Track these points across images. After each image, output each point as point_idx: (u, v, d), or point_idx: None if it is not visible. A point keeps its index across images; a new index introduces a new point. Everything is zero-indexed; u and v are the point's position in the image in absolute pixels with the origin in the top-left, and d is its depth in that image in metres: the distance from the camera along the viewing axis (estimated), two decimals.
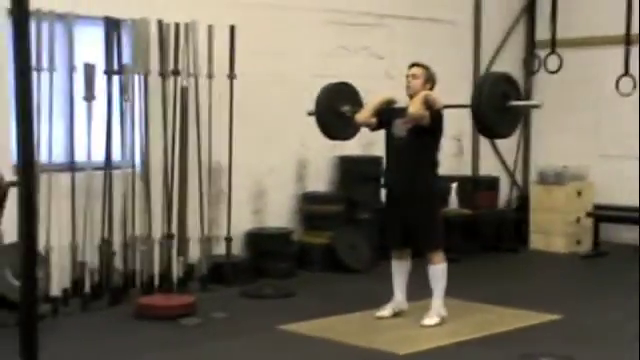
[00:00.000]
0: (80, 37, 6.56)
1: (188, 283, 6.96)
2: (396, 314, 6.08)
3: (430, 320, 5.89)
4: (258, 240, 7.67)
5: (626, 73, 8.79)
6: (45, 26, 6.29)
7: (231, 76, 7.26)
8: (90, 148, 6.57)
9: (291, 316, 6.10)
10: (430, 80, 5.95)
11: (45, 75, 6.33)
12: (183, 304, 6.22)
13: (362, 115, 6.08)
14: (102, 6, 6.64)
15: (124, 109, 6.75)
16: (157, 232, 6.93)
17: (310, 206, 8.04)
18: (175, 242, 6.99)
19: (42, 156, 6.31)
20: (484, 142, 9.46)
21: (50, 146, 6.38)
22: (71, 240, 6.48)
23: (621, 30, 8.83)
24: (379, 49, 8.67)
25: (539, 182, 9.37)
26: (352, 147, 7.90)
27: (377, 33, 8.68)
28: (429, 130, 5.85)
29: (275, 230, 7.82)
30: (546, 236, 9.16)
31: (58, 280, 6.36)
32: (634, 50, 8.81)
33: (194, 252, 7.14)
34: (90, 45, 6.63)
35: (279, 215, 7.99)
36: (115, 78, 6.69)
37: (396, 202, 6.06)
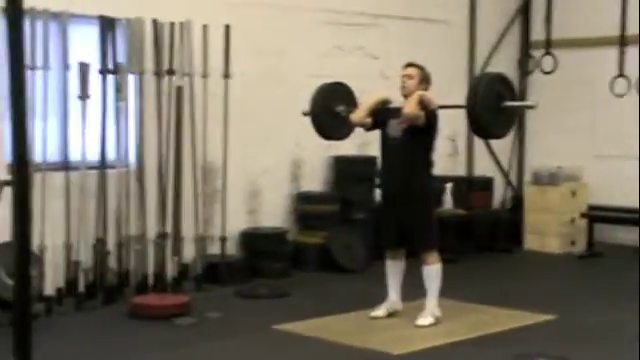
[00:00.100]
0: (75, 36, 6.54)
1: (182, 283, 6.95)
2: (390, 314, 6.08)
3: (424, 320, 5.89)
4: (253, 240, 7.66)
5: (621, 74, 8.80)
6: (39, 25, 6.27)
7: (226, 76, 7.26)
8: (84, 147, 6.55)
9: (286, 316, 6.10)
10: (425, 80, 5.96)
11: (39, 74, 6.31)
12: (177, 304, 6.21)
13: (357, 115, 6.08)
14: (97, 5, 6.63)
15: (119, 108, 6.74)
16: (151, 231, 6.92)
17: (305, 206, 8.03)
18: (169, 242, 6.98)
19: (36, 155, 6.29)
20: (479, 142, 9.46)
21: (44, 145, 6.36)
22: (65, 239, 6.46)
23: (616, 31, 8.84)
24: (374, 49, 8.67)
25: (533, 182, 9.38)
26: (347, 147, 7.90)
27: (372, 33, 8.68)
28: (424, 130, 5.85)
29: (270, 230, 7.81)
30: (540, 236, 9.17)
31: (52, 279, 6.34)
32: (629, 51, 8.82)
33: (188, 252, 7.13)
34: (85, 44, 6.62)
35: (274, 215, 7.99)
36: (110, 77, 6.68)
37: (391, 202, 6.06)
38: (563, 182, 9.16)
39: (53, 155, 6.50)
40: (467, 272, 7.87)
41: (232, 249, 7.55)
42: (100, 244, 6.60)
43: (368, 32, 8.65)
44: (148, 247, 6.87)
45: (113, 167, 6.77)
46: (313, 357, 5.34)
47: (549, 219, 9.07)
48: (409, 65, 6.00)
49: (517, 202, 9.72)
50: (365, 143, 7.91)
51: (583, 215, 9.04)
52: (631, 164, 8.73)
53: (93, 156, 6.61)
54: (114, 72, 6.68)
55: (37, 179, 6.25)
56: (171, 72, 6.97)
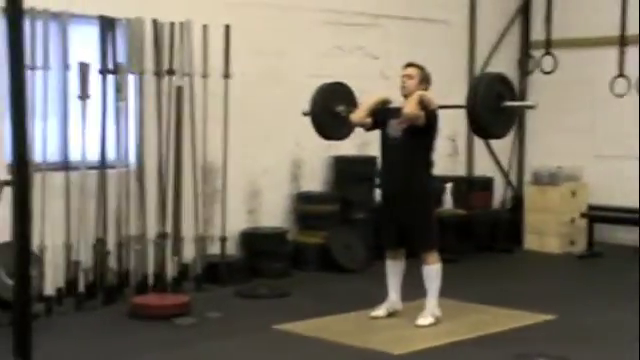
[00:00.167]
0: (75, 36, 6.54)
1: (182, 283, 6.95)
2: (390, 314, 6.08)
3: (424, 320, 5.89)
4: (253, 240, 7.66)
5: (621, 74, 8.80)
6: (39, 25, 6.27)
7: (226, 76, 7.26)
8: (84, 147, 6.55)
9: (286, 316, 6.10)
10: (425, 80, 5.96)
11: (39, 74, 6.31)
12: (177, 304, 6.21)
13: (357, 115, 6.07)
14: (97, 5, 6.62)
15: (119, 108, 6.74)
16: (151, 231, 6.92)
17: (305, 206, 8.03)
18: (169, 242, 6.98)
19: (36, 155, 6.29)
20: (479, 142, 9.46)
21: (44, 145, 6.36)
22: (65, 239, 6.46)
23: (616, 31, 8.83)
24: (374, 49, 8.67)
25: (533, 182, 9.38)
26: (347, 147, 7.89)
27: (372, 33, 8.68)
28: (424, 130, 5.85)
29: (270, 230, 7.81)
30: (540, 236, 9.17)
31: (52, 279, 6.34)
32: (629, 51, 8.82)
33: (188, 252, 7.13)
34: (85, 44, 6.62)
35: (274, 215, 7.99)
36: (110, 77, 6.68)
37: (391, 202, 6.06)
38: (563, 182, 9.16)
39: (53, 155, 6.50)
40: (467, 272, 7.87)
41: (232, 249, 7.55)
42: (100, 244, 6.60)
43: (368, 32, 8.64)
44: (148, 247, 6.87)
45: (113, 167, 6.77)
46: (313, 357, 5.33)
47: (549, 219, 9.07)
48: (409, 65, 6.00)
49: (517, 202, 9.71)
50: (365, 143, 7.91)
51: (583, 215, 9.04)
52: (631, 164, 8.73)
53: (93, 156, 6.61)
54: (114, 72, 6.68)
55: (37, 179, 6.24)
56: (171, 72, 6.97)
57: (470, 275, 7.81)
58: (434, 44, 8.92)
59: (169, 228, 6.98)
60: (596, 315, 6.33)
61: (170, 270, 6.94)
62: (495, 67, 9.12)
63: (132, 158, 6.85)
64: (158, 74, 6.92)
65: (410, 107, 5.76)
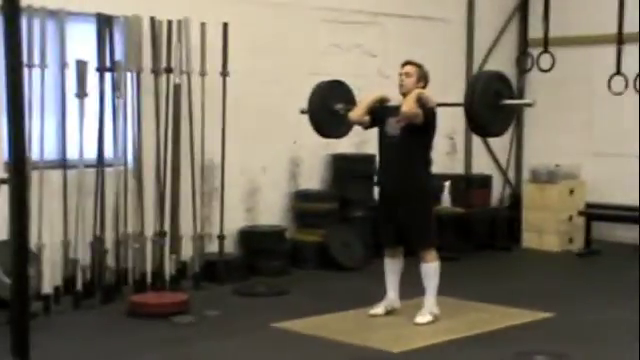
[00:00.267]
0: (72, 34, 6.53)
1: (181, 281, 6.94)
2: (389, 312, 6.08)
3: (423, 318, 5.89)
4: (251, 238, 7.66)
5: (618, 72, 8.80)
6: (36, 22, 6.26)
7: (224, 74, 7.25)
8: (82, 145, 6.53)
9: (284, 314, 6.09)
10: (423, 78, 5.95)
11: (37, 72, 6.30)
12: (176, 302, 6.21)
13: (355, 113, 6.07)
14: (94, 3, 6.61)
15: (116, 106, 6.73)
16: (149, 230, 6.91)
17: (303, 204, 8.03)
18: (168, 240, 6.97)
19: (34, 153, 6.28)
20: (477, 140, 9.46)
21: (42, 143, 6.35)
22: (63, 237, 6.45)
23: (613, 29, 8.82)
24: (372, 47, 8.66)
25: (532, 180, 9.38)
26: (345, 145, 7.89)
27: (370, 31, 8.67)
28: (422, 128, 5.85)
29: (268, 228, 7.81)
30: (538, 234, 9.17)
31: (50, 278, 6.34)
32: (626, 49, 8.82)
33: (187, 250, 7.12)
34: (82, 42, 6.61)
35: (272, 213, 7.98)
36: (107, 75, 6.67)
37: (389, 200, 6.06)
38: (561, 180, 9.16)
39: (51, 153, 6.49)
40: (465, 270, 7.87)
41: (230, 247, 7.55)
42: (98, 242, 6.59)
43: (366, 30, 8.64)
44: (146, 245, 6.86)
45: (111, 165, 6.76)
46: (312, 355, 5.33)
47: (547, 217, 9.07)
48: (407, 63, 6.00)
49: (515, 200, 9.72)
50: (363, 141, 7.91)
51: (581, 213, 9.05)
52: (629, 162, 8.73)
53: (91, 154, 6.60)
54: (112, 70, 6.67)
55: (35, 177, 6.24)
56: (169, 70, 6.96)
57: (468, 273, 7.80)
58: (432, 42, 8.92)
59: (167, 226, 6.97)
60: (595, 313, 6.33)
61: (168, 268, 6.93)
62: (493, 65, 9.14)
63: (130, 156, 6.83)
64: (156, 72, 6.91)
65: (408, 105, 5.76)
